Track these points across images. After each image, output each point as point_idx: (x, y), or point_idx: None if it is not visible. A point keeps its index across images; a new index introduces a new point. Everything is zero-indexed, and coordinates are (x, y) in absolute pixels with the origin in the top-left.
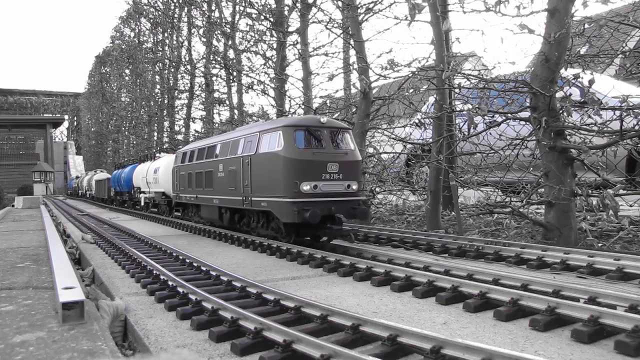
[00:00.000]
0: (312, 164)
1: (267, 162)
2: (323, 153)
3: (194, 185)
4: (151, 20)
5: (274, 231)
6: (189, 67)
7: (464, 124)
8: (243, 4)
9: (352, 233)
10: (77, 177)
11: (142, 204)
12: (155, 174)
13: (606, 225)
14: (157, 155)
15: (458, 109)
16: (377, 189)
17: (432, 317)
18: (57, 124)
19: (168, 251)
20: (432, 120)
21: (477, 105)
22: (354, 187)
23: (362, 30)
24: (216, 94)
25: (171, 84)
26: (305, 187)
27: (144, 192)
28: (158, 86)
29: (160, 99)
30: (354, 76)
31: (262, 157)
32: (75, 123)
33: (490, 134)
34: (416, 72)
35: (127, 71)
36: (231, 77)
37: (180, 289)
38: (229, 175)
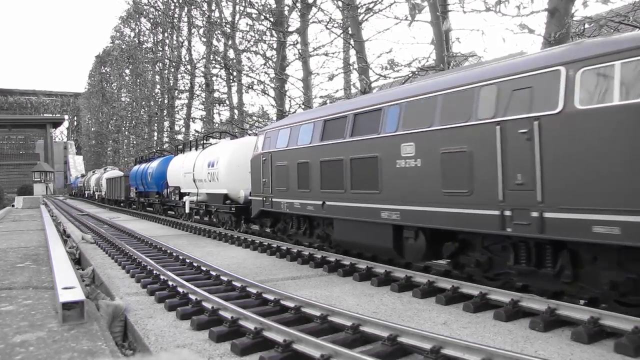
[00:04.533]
0: None
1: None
2: None
3: (318, 184)
4: (151, 20)
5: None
6: (189, 67)
7: None
8: (243, 4)
9: None
10: (82, 176)
11: (187, 210)
12: (211, 168)
13: None
14: (209, 141)
15: None
16: None
17: (432, 317)
18: (57, 124)
19: (168, 251)
20: None
21: None
22: None
23: (362, 30)
24: (216, 94)
25: (171, 84)
26: None
27: (187, 194)
28: (158, 86)
29: (160, 99)
30: (354, 76)
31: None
32: (75, 123)
33: None
34: (416, 72)
35: (127, 71)
36: (231, 77)
37: (180, 289)
38: (447, 163)
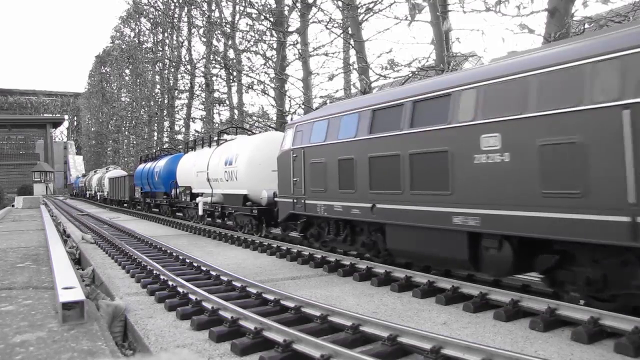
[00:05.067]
0: None
1: None
2: None
3: (366, 183)
4: (151, 20)
5: None
6: (189, 67)
7: None
8: (243, 4)
9: None
10: (83, 176)
11: (200, 212)
12: (229, 166)
13: None
14: (225, 138)
15: None
16: None
17: (432, 317)
18: (57, 124)
19: (168, 251)
20: None
21: None
22: None
23: (362, 30)
24: (216, 94)
25: (171, 84)
26: None
27: (200, 195)
28: (158, 86)
29: (160, 99)
30: (354, 76)
31: None
32: (75, 123)
33: None
34: (416, 72)
35: (127, 71)
36: (231, 77)
37: (180, 289)
38: (548, 158)
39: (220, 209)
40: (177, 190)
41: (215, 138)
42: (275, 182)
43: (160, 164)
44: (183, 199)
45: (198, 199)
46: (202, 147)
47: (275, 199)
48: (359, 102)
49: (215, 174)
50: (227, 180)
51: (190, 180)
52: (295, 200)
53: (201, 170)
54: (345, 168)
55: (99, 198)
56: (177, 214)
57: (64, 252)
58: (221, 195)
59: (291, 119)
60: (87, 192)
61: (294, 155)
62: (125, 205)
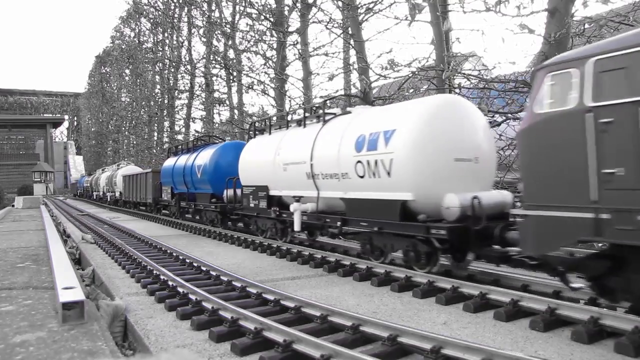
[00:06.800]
0: None
1: None
2: None
3: None
4: (151, 20)
5: None
6: (189, 67)
7: None
8: (243, 4)
9: None
10: (89, 175)
11: (297, 227)
12: (369, 153)
13: None
14: (333, 111)
15: None
16: None
17: (432, 317)
18: (57, 124)
19: (168, 251)
20: None
21: (477, 105)
22: None
23: (362, 30)
24: (216, 94)
25: (171, 84)
26: None
27: (293, 199)
28: (158, 86)
29: (160, 99)
30: (354, 76)
31: None
32: (75, 123)
33: None
34: (416, 72)
35: (127, 71)
36: (231, 77)
37: (180, 289)
38: None
39: (339, 223)
40: (242, 191)
41: (316, 111)
42: (467, 180)
43: (205, 155)
44: (251, 204)
45: (293, 207)
46: (281, 128)
47: (522, 212)
48: None
49: (328, 166)
50: (364, 176)
51: (264, 178)
52: (609, 216)
53: (295, 161)
54: None
55: (109, 199)
56: (237, 224)
57: (64, 252)
58: (343, 200)
59: (291, 120)
60: (94, 193)
61: (602, 120)
62: (145, 208)
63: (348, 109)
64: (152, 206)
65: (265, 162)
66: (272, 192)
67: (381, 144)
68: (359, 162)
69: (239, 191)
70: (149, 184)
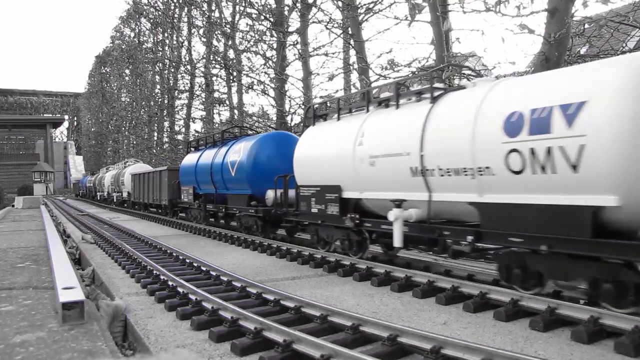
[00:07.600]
0: None
1: None
2: None
3: None
4: (151, 21)
5: None
6: (189, 67)
7: None
8: (243, 4)
9: None
10: (92, 174)
11: (397, 243)
12: (545, 137)
13: None
14: (438, 86)
15: None
16: None
17: (432, 317)
18: (57, 124)
19: (168, 251)
20: None
21: None
22: None
23: (362, 30)
24: (216, 94)
25: (171, 84)
26: None
27: (397, 204)
28: (158, 86)
29: (160, 99)
30: (354, 76)
31: None
32: (75, 123)
33: None
34: (416, 72)
35: (127, 71)
36: (231, 77)
37: (180, 289)
38: None
39: (472, 238)
40: (300, 192)
41: (407, 86)
42: None
43: (240, 149)
44: (314, 209)
45: (392, 215)
46: (349, 113)
47: None
48: None
49: (452, 159)
50: (522, 172)
51: (337, 176)
52: None
53: (392, 153)
54: None
55: (115, 200)
56: (293, 234)
57: (64, 252)
58: (466, 206)
59: (291, 120)
60: (98, 193)
61: None
62: (158, 210)
63: (463, 82)
64: (169, 209)
65: (336, 156)
66: (347, 194)
67: (558, 123)
68: (513, 151)
69: (291, 192)
70: (164, 183)
